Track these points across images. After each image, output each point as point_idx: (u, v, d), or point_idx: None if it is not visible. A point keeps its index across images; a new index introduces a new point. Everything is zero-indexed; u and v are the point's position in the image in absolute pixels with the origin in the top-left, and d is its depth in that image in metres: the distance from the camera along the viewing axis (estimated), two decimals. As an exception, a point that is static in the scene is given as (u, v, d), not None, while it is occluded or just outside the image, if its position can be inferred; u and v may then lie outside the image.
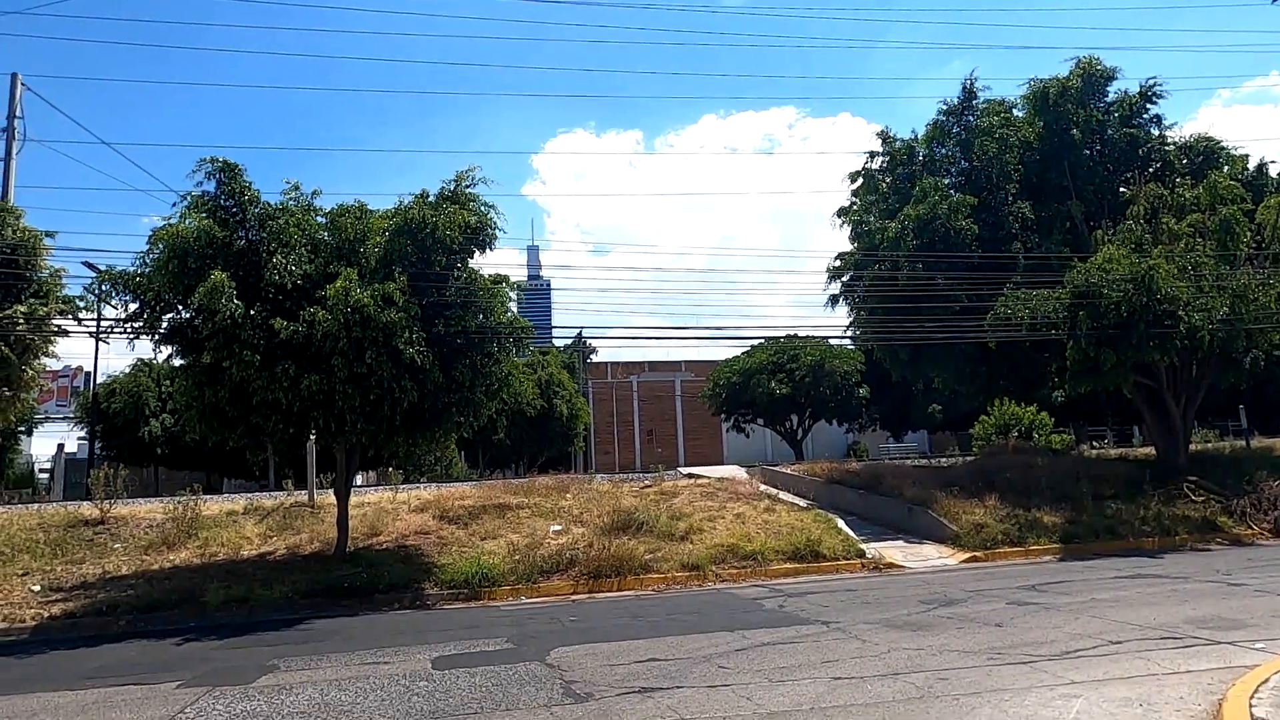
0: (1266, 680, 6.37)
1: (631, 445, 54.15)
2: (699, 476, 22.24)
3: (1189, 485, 18.44)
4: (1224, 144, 23.00)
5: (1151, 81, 22.95)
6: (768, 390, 35.57)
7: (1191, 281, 18.13)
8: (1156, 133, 23.13)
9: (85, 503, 18.21)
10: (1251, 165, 23.31)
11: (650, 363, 56.63)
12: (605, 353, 57.52)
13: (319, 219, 14.03)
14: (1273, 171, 23.40)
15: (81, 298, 15.77)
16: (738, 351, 39.15)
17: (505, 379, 14.23)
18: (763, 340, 37.61)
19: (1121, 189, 22.85)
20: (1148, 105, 23.02)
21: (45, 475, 46.67)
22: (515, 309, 14.91)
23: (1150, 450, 22.43)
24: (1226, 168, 22.31)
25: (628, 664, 8.07)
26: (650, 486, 19.70)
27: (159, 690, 7.87)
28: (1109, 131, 22.88)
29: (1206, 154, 22.67)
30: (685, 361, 56.18)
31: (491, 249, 14.24)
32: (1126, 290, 17.41)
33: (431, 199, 13.99)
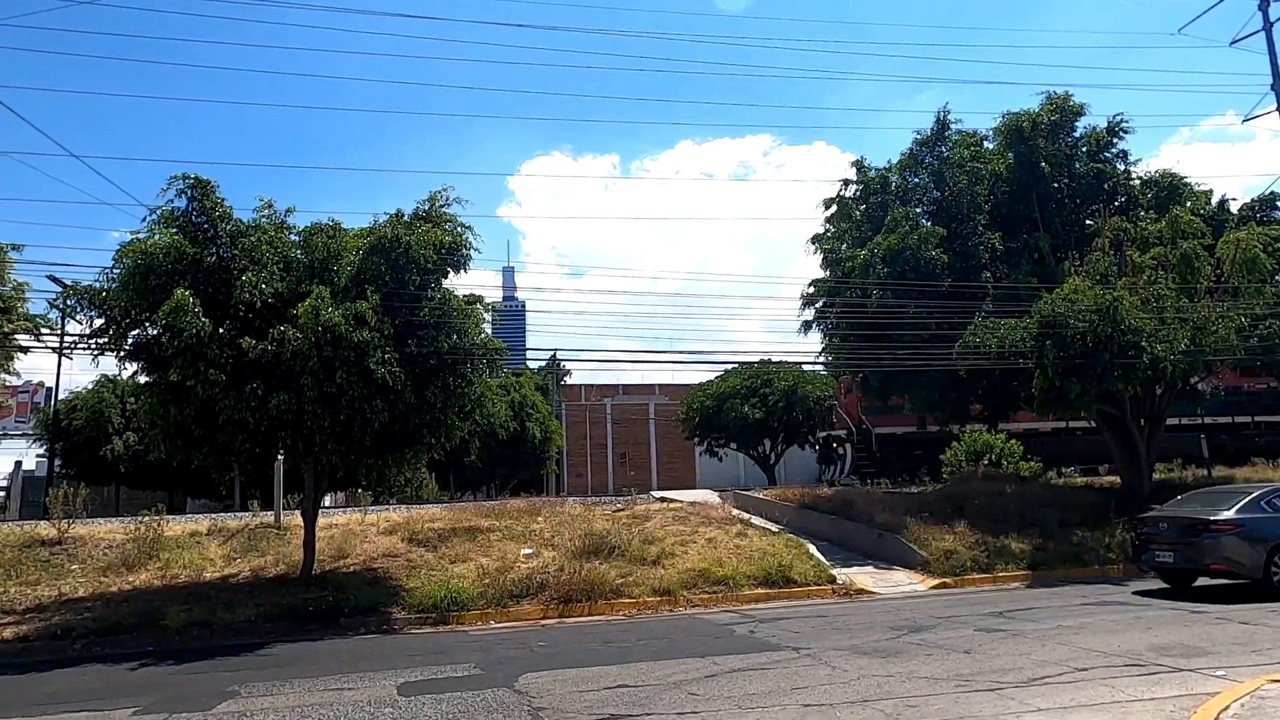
0: (1227, 707, 6.46)
1: (604, 468, 53.97)
2: (671, 500, 22.19)
3: (1153, 513, 18.68)
4: (1187, 179, 23.66)
5: (1118, 117, 23.59)
6: (741, 415, 35.69)
7: (1154, 313, 18.53)
8: (1122, 167, 23.74)
9: (42, 522, 17.73)
10: (1213, 201, 23.97)
11: (624, 386, 56.63)
12: (579, 375, 57.62)
13: (292, 237, 13.92)
14: (1233, 207, 24.08)
15: (44, 316, 15.53)
16: (712, 376, 39.31)
17: (478, 400, 14.15)
18: (737, 365, 37.82)
19: (1088, 221, 23.38)
20: (1114, 140, 23.62)
21: (1, 494, 45.49)
22: (489, 330, 14.85)
23: (1116, 479, 22.76)
24: (1189, 203, 22.91)
25: (597, 690, 7.99)
26: (623, 510, 19.62)
27: (114, 717, 7.67)
28: (1077, 165, 23.44)
29: (1170, 189, 23.29)
30: (659, 385, 56.27)
31: (466, 269, 14.22)
32: (1092, 321, 17.76)
33: (406, 218, 13.94)
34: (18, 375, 18.48)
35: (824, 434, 34.38)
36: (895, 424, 30.07)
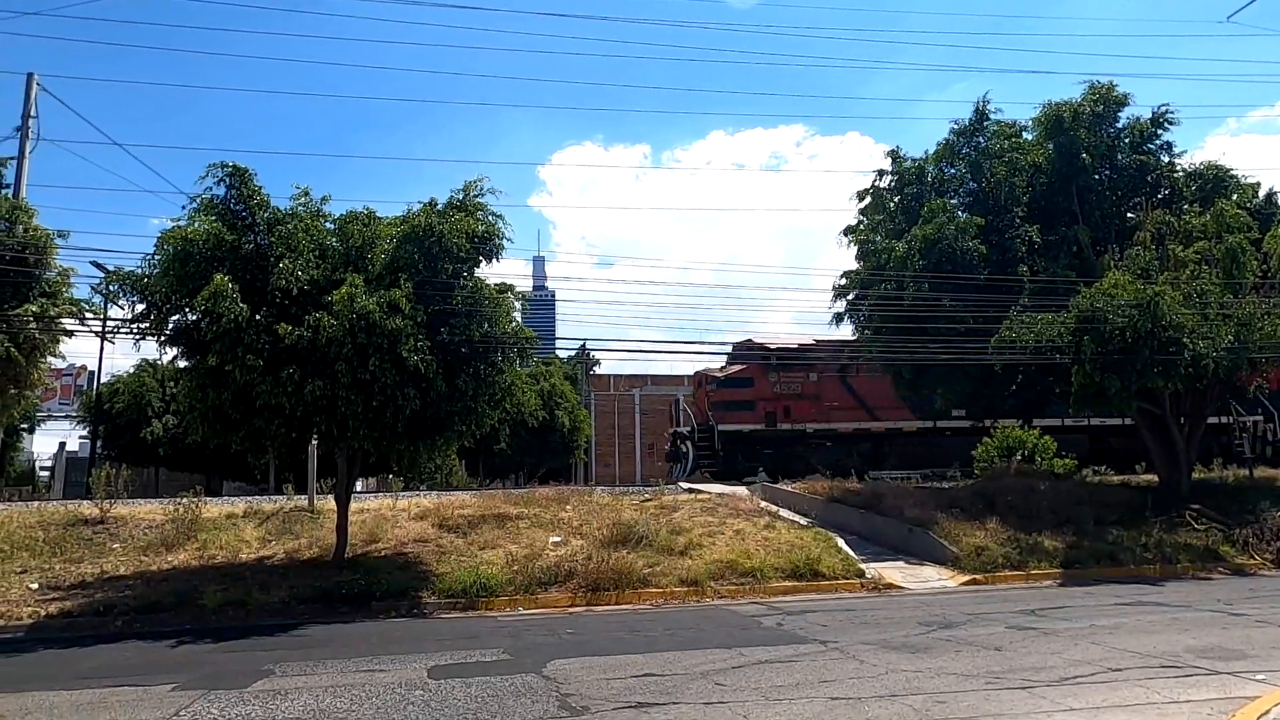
0: (1267, 712, 6.34)
1: (632, 458, 54.07)
2: (699, 491, 22.17)
3: (1191, 513, 18.33)
4: (1233, 172, 22.95)
5: (1163, 108, 22.96)
6: (770, 407, 35.47)
7: (1197, 309, 18.11)
8: (1166, 159, 23.13)
9: (85, 502, 18.21)
10: (1260, 194, 23.31)
11: (653, 376, 56.58)
12: (608, 365, 57.53)
13: (328, 225, 14.08)
14: (1281, 201, 23.39)
15: (87, 301, 15.89)
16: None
17: (508, 389, 14.23)
18: (766, 356, 37.61)
19: (1129, 214, 22.85)
20: (1158, 132, 23.01)
21: (46, 473, 46.81)
22: (520, 319, 14.93)
23: (1153, 477, 22.34)
24: (1235, 196, 22.24)
25: (624, 678, 8.03)
26: (650, 500, 19.65)
27: (154, 692, 7.86)
28: (1119, 157, 22.90)
29: (1215, 181, 22.65)
30: (688, 376, 56.18)
31: (498, 258, 14.27)
32: (1132, 316, 17.40)
33: (440, 207, 14.04)
34: (62, 358, 18.93)
35: (672, 430, 33.57)
36: (742, 421, 28.60)
